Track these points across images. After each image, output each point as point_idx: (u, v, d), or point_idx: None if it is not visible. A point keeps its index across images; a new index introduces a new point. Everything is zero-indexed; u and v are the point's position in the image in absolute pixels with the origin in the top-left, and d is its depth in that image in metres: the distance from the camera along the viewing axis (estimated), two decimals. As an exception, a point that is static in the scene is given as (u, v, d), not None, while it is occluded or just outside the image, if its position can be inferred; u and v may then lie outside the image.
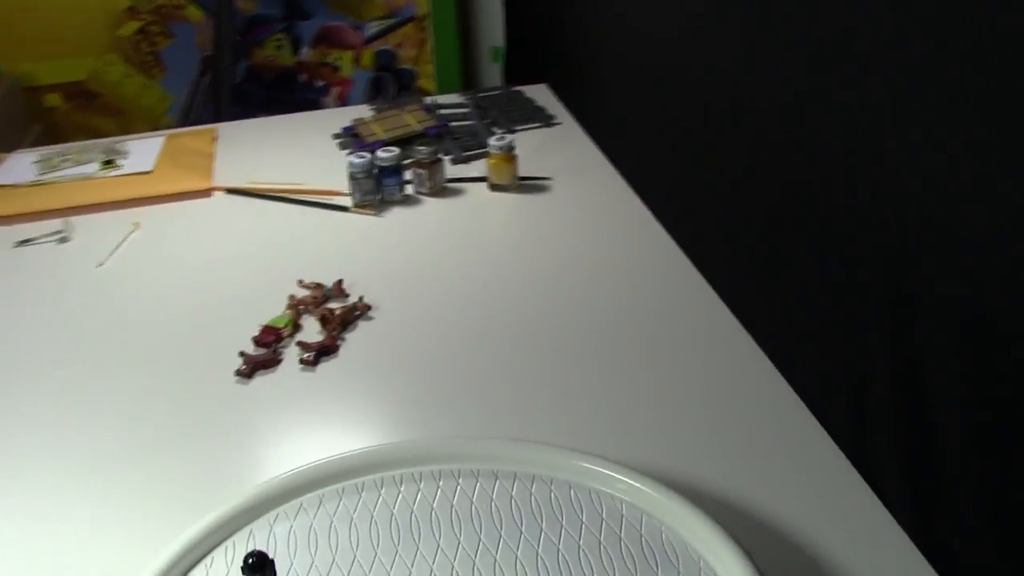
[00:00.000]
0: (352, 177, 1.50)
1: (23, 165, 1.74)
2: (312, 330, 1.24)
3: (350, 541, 0.86)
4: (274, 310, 1.27)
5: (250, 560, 0.76)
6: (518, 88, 1.92)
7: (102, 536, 0.94)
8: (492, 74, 2.50)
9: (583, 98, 1.90)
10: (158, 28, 2.48)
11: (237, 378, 1.15)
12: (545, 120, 1.77)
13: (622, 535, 0.84)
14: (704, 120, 1.58)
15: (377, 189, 1.52)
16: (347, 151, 1.71)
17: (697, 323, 1.19)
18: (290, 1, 2.49)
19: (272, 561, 0.77)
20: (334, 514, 0.89)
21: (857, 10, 1.06)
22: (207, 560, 0.85)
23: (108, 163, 1.70)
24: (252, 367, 1.16)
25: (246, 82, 2.55)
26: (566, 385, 1.10)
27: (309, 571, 0.83)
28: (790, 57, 1.24)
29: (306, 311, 1.27)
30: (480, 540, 0.85)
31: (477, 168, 1.60)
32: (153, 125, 2.56)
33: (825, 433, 0.98)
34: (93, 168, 1.69)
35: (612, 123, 1.88)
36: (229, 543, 0.86)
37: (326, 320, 1.23)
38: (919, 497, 1.05)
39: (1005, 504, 0.95)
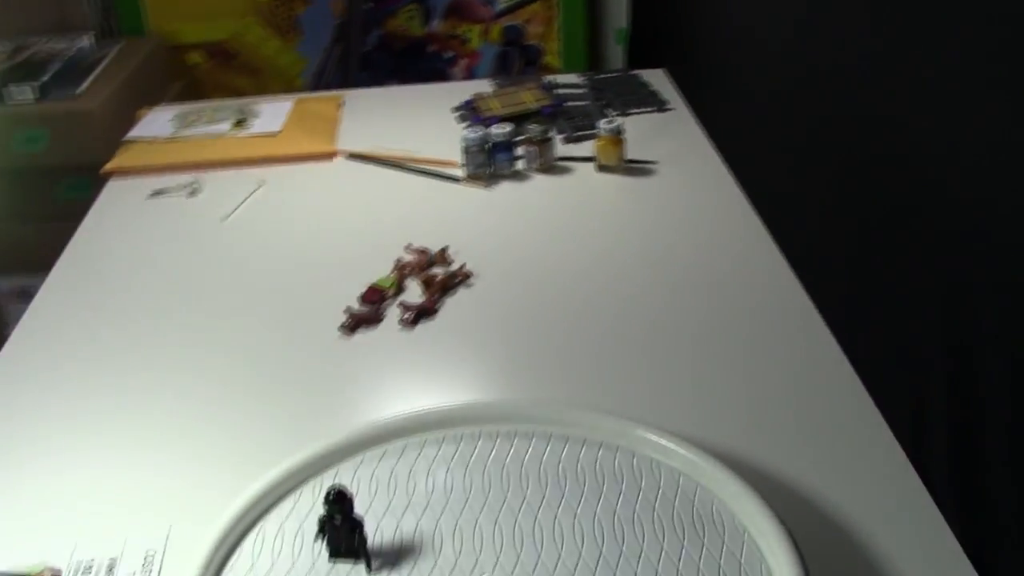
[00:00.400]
0: (466, 150, 1.57)
1: (162, 121, 1.85)
2: (415, 293, 1.31)
3: (425, 488, 0.93)
4: (382, 271, 1.35)
5: (330, 495, 0.84)
6: (636, 72, 1.97)
7: (208, 463, 1.03)
8: (616, 55, 2.55)
9: (700, 85, 1.94)
10: (298, -7, 2.59)
11: (340, 332, 1.23)
12: (658, 105, 1.82)
13: (676, 503, 0.90)
14: (819, 121, 1.61)
15: (489, 163, 1.58)
16: (464, 124, 1.78)
17: (779, 313, 1.23)
18: (425, -27, 2.57)
19: (351, 498, 0.85)
20: (413, 463, 0.96)
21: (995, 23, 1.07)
22: (296, 493, 0.93)
23: (239, 123, 1.80)
24: (355, 323, 1.24)
25: (377, 50, 2.64)
26: (647, 361, 1.16)
27: (385, 512, 0.91)
28: (919, 65, 1.26)
29: (411, 275, 1.34)
30: (544, 497, 0.92)
31: (587, 148, 1.65)
32: (287, 86, 2.67)
33: (886, 427, 1.02)
34: (225, 127, 1.79)
35: (726, 113, 1.91)
36: (317, 480, 0.94)
37: (428, 284, 1.30)
38: (967, 498, 1.09)
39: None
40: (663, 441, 0.95)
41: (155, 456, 1.05)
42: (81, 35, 2.46)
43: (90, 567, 0.91)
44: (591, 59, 2.69)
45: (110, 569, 0.91)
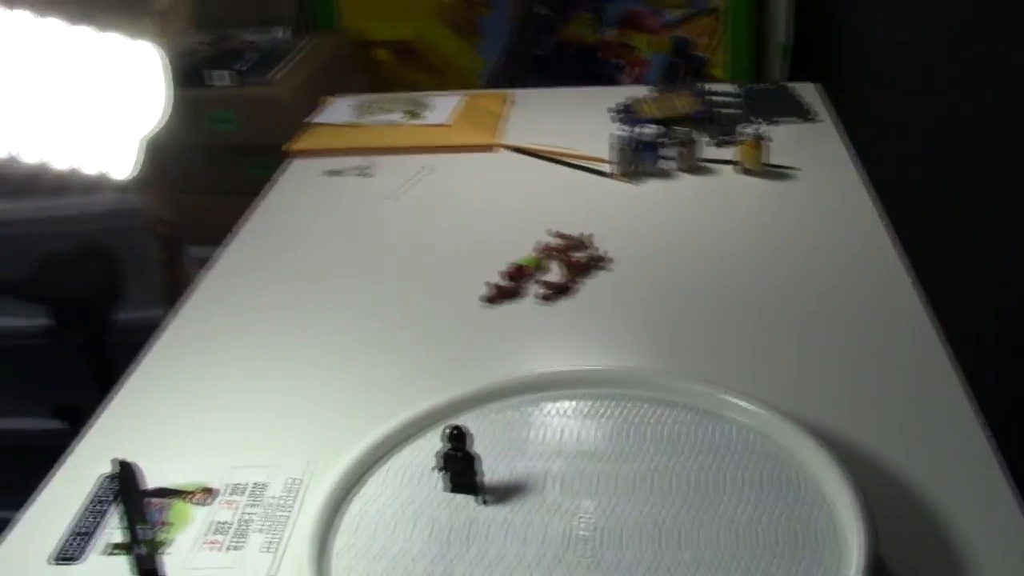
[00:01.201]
0: (615, 147, 1.68)
1: (343, 108, 2.01)
2: (556, 273, 1.42)
3: (539, 438, 1.05)
4: (526, 252, 1.46)
5: (451, 431, 0.97)
6: (788, 84, 2.04)
7: (354, 407, 1.17)
8: (779, 69, 2.61)
9: (851, 98, 2.00)
10: (479, -2, 2.74)
11: (483, 302, 1.36)
12: (804, 115, 1.89)
13: (763, 469, 0.99)
14: (967, 142, 1.65)
15: (636, 160, 1.69)
16: (620, 124, 1.88)
17: (891, 313, 1.30)
18: (600, -16, 2.69)
19: (469, 435, 0.97)
20: (532, 416, 1.08)
21: None
22: (426, 434, 1.06)
23: (412, 114, 1.95)
24: (498, 294, 1.37)
25: (552, 55, 2.77)
26: (760, 345, 1.25)
27: (502, 456, 1.03)
28: None
29: (553, 257, 1.45)
30: (644, 453, 1.02)
31: (732, 153, 1.74)
32: (464, 85, 2.81)
33: (976, 417, 1.09)
34: (399, 117, 1.94)
35: (877, 127, 1.97)
36: (446, 424, 1.06)
37: (568, 265, 1.42)
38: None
39: None
40: (759, 410, 1.04)
41: (308, 398, 1.20)
42: (277, 28, 2.66)
43: (241, 488, 1.05)
44: (755, 72, 2.76)
45: (258, 490, 1.04)
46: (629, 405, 1.09)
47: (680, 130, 1.69)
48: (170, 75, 1.05)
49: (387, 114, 1.96)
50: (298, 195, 1.73)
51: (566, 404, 1.09)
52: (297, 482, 1.05)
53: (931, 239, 1.56)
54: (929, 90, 1.82)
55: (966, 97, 1.65)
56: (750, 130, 1.65)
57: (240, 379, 1.24)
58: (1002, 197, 1.43)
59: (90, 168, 1.00)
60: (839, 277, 1.39)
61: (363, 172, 1.77)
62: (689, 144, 1.69)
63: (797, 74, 2.44)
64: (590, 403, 1.10)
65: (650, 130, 1.68)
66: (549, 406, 1.09)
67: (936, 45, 1.79)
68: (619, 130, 1.67)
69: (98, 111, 0.99)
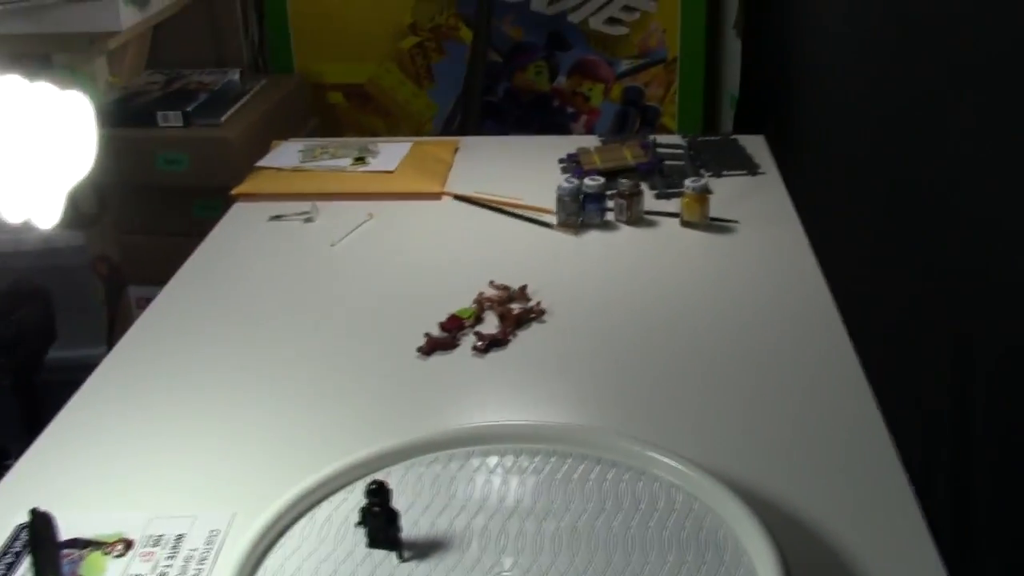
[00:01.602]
0: (560, 199, 1.68)
1: (291, 152, 2.01)
2: (491, 324, 1.42)
3: (463, 494, 1.04)
4: (465, 303, 1.46)
5: (372, 486, 0.96)
6: (735, 136, 2.06)
7: (280, 458, 1.16)
8: (730, 119, 2.63)
9: (795, 151, 2.02)
10: (433, 44, 2.75)
11: (418, 354, 1.35)
12: (751, 169, 1.90)
13: (686, 526, 0.99)
14: (906, 195, 1.66)
15: (580, 212, 1.69)
16: (565, 175, 1.89)
17: (828, 376, 1.31)
18: (554, 33, 2.70)
19: (389, 490, 0.96)
20: (457, 471, 1.07)
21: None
22: (349, 488, 1.05)
23: (359, 159, 1.94)
24: (432, 346, 1.36)
25: (504, 101, 2.78)
26: (693, 402, 1.25)
27: (424, 511, 1.02)
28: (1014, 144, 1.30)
29: (490, 308, 1.45)
30: (568, 509, 1.02)
31: (676, 205, 1.75)
32: (417, 130, 2.83)
33: (908, 487, 1.09)
34: (346, 162, 1.94)
35: (815, 179, 1.98)
36: (370, 478, 1.05)
37: (504, 317, 1.41)
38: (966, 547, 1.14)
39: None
40: (684, 468, 1.04)
41: (235, 446, 1.19)
42: (232, 70, 2.66)
43: (159, 539, 1.03)
44: (706, 122, 2.79)
45: (177, 542, 1.03)
46: (556, 460, 1.08)
47: (625, 182, 1.69)
48: (97, 124, 1.04)
49: (334, 159, 1.96)
50: (241, 239, 1.72)
51: (493, 459, 1.09)
52: (217, 534, 1.04)
53: (868, 297, 1.57)
54: (870, 146, 1.84)
55: (907, 156, 1.67)
56: (692, 183, 1.66)
57: (168, 425, 1.23)
58: (939, 261, 1.45)
59: (14, 217, 0.99)
60: (776, 334, 1.39)
61: (306, 217, 1.76)
62: (633, 196, 1.70)
63: (746, 126, 2.46)
64: (516, 458, 1.09)
65: (595, 182, 1.68)
66: (475, 461, 1.09)
67: (878, 102, 1.81)
68: (565, 181, 1.68)
69: (25, 160, 0.98)
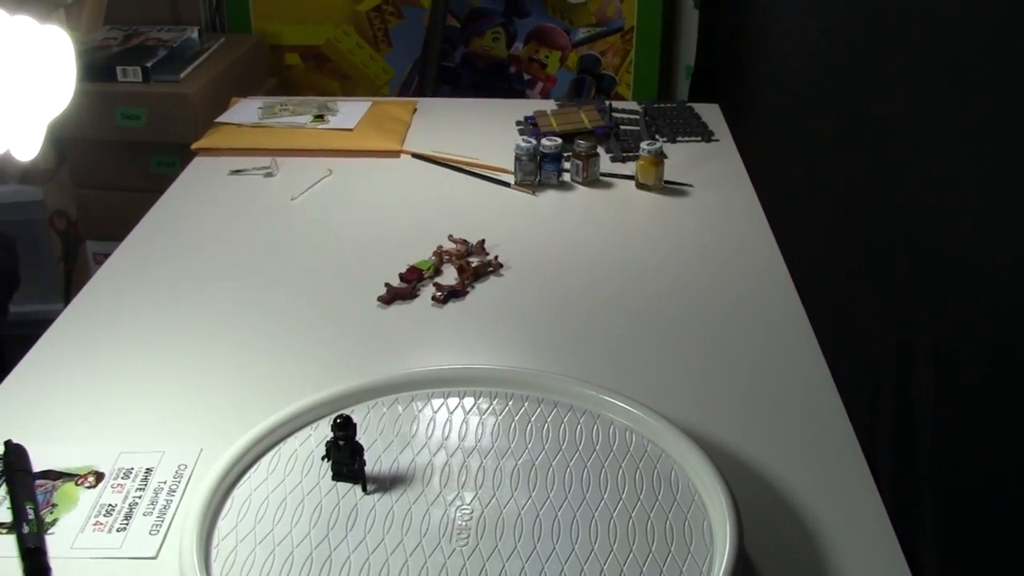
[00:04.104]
0: (517, 158, 1.72)
1: (250, 109, 2.02)
2: (450, 276, 1.45)
3: (425, 432, 1.08)
4: (425, 256, 1.49)
5: (337, 420, 0.99)
6: (691, 104, 2.10)
7: (247, 396, 1.19)
8: (685, 89, 2.68)
9: (750, 121, 2.06)
10: (392, 8, 2.77)
11: (378, 303, 1.38)
12: (705, 135, 1.95)
13: (640, 465, 1.03)
14: (861, 171, 1.70)
15: (537, 172, 1.72)
16: (524, 136, 1.92)
17: (777, 326, 1.36)
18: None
19: (355, 425, 0.99)
20: (419, 411, 1.11)
21: None
22: (315, 425, 1.08)
23: (318, 117, 1.97)
24: (392, 296, 1.39)
25: (461, 66, 2.80)
26: (646, 351, 1.29)
27: (387, 447, 1.05)
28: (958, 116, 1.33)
29: (449, 261, 1.49)
30: (526, 449, 1.06)
31: (631, 168, 1.79)
32: (373, 93, 2.84)
33: (851, 429, 1.14)
34: (305, 120, 1.96)
35: (771, 149, 2.03)
36: (335, 415, 1.08)
37: (462, 269, 1.45)
38: (906, 499, 1.19)
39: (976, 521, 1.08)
40: (638, 412, 1.08)
41: (202, 388, 1.21)
42: (190, 28, 2.66)
43: (129, 472, 1.06)
44: (661, 92, 2.83)
45: (147, 475, 1.06)
46: (513, 403, 1.12)
47: (581, 143, 1.73)
48: (78, 62, 1.06)
49: (294, 116, 1.98)
50: (201, 193, 1.74)
51: (452, 401, 1.13)
52: (185, 467, 1.07)
53: (817, 260, 1.62)
54: (822, 116, 1.88)
55: (856, 123, 1.71)
56: (648, 146, 1.70)
57: (135, 368, 1.25)
58: (886, 230, 1.50)
59: (-6, 146, 1.01)
60: (730, 293, 1.44)
61: (266, 172, 1.78)
62: (590, 158, 1.74)
63: (702, 96, 2.51)
64: (476, 400, 1.13)
65: (552, 142, 1.72)
66: (436, 402, 1.12)
67: (830, 73, 1.86)
68: (523, 141, 1.71)
69: (4, 92, 1.00)
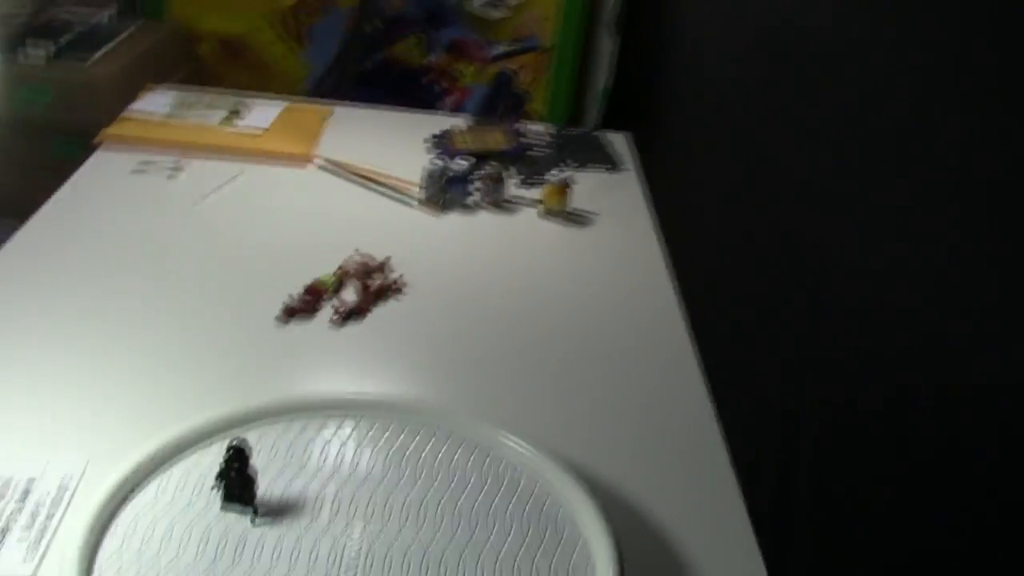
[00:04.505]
0: (426, 177, 1.72)
1: (161, 100, 2.00)
2: (352, 294, 1.46)
3: (316, 460, 1.08)
4: (328, 270, 1.49)
5: (230, 447, 0.99)
6: (600, 132, 2.12)
7: (136, 411, 1.18)
8: (594, 112, 2.71)
9: (661, 150, 2.09)
10: (313, 5, 2.75)
11: (277, 319, 1.38)
12: (613, 165, 1.97)
13: (527, 505, 1.05)
14: (769, 206, 1.74)
15: (444, 192, 1.73)
16: (433, 154, 1.93)
17: (667, 364, 1.39)
18: (434, 9, 2.73)
19: (248, 453, 0.99)
20: (312, 438, 1.11)
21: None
22: (205, 447, 1.08)
23: (230, 116, 1.95)
24: (291, 312, 1.39)
25: (377, 71, 2.80)
26: (540, 384, 1.31)
27: (279, 475, 1.05)
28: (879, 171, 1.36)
29: (351, 277, 1.49)
30: (417, 483, 1.07)
31: (538, 193, 1.81)
32: (287, 89, 2.81)
33: (731, 473, 1.17)
34: (217, 118, 1.94)
35: (678, 183, 2.06)
36: (226, 438, 1.07)
37: (364, 288, 1.45)
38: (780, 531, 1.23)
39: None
40: (526, 451, 1.10)
41: (90, 397, 1.20)
42: (103, 11, 2.62)
43: (8, 483, 1.04)
44: (574, 113, 2.85)
45: (28, 486, 1.04)
46: (407, 434, 1.13)
47: (491, 166, 1.74)
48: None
49: (205, 113, 1.95)
50: (103, 189, 1.71)
51: (346, 429, 1.13)
52: (70, 479, 1.05)
53: (714, 298, 1.66)
54: (729, 150, 1.92)
55: (763, 159, 1.75)
56: (557, 173, 1.72)
57: (18, 373, 1.23)
58: (787, 269, 1.54)
59: None
60: (624, 328, 1.47)
61: (172, 172, 1.76)
62: (497, 181, 1.75)
63: (615, 120, 2.54)
64: (369, 429, 1.13)
65: (461, 164, 1.72)
66: (329, 429, 1.13)
67: (739, 111, 1.90)
68: (433, 161, 1.72)
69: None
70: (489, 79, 2.78)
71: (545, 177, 1.84)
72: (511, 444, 1.11)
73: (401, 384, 1.29)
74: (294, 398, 1.15)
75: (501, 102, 2.75)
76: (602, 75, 2.65)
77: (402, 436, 1.13)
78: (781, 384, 1.49)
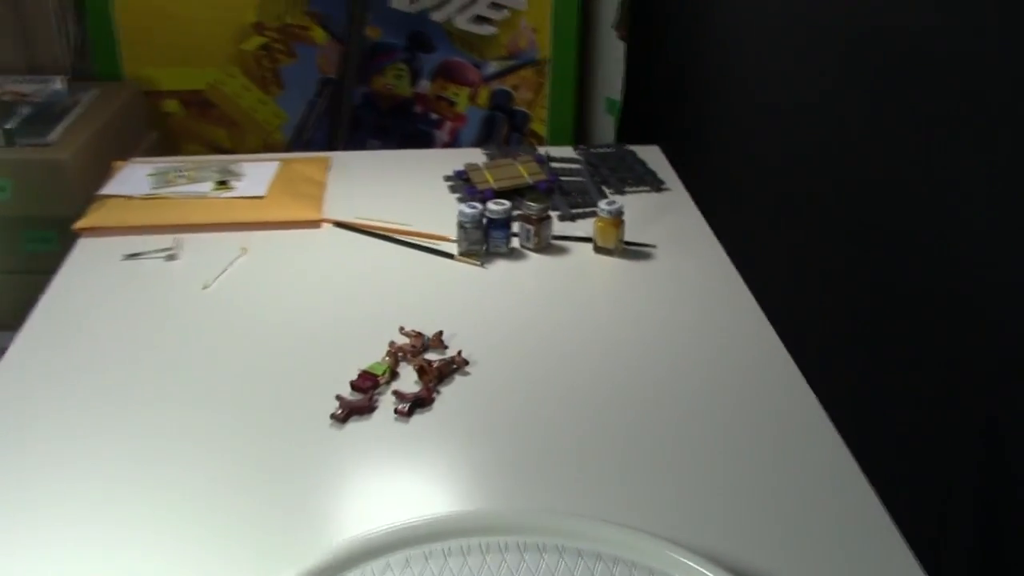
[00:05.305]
0: (461, 226, 1.51)
1: (138, 176, 1.77)
2: (409, 379, 1.24)
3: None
4: (373, 352, 1.28)
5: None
6: (630, 148, 1.92)
7: (182, 538, 0.95)
8: (604, 126, 2.50)
9: (695, 163, 1.89)
10: (281, 46, 2.53)
11: (332, 421, 1.16)
12: (655, 185, 1.77)
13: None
14: (820, 204, 1.56)
15: (484, 240, 1.52)
16: (457, 195, 1.72)
17: (783, 412, 1.18)
18: (416, 33, 2.51)
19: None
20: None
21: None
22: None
23: (222, 184, 1.72)
24: (347, 412, 1.17)
25: (361, 108, 2.58)
26: (644, 460, 1.10)
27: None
28: (921, 145, 1.22)
29: (404, 359, 1.27)
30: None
31: (583, 227, 1.60)
32: (265, 140, 2.60)
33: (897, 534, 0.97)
34: (207, 187, 1.72)
35: (722, 193, 1.86)
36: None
37: (423, 371, 1.23)
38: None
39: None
40: (673, 555, 0.89)
41: (104, 545, 0.97)
42: (54, 78, 2.38)
43: None
44: (578, 128, 2.65)
45: None
46: (512, 555, 0.91)
47: (532, 205, 1.53)
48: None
49: (192, 184, 1.73)
50: (93, 281, 1.48)
51: (438, 563, 0.91)
52: None
53: (802, 320, 1.45)
54: (778, 154, 1.72)
55: (812, 164, 1.55)
56: (607, 205, 1.51)
57: (29, 496, 1.01)
58: (868, 273, 1.35)
59: None
60: (724, 372, 1.26)
61: (169, 254, 1.54)
62: (542, 221, 1.54)
63: (632, 134, 2.34)
64: (467, 557, 0.92)
65: (500, 206, 1.51)
66: (419, 566, 0.91)
67: (786, 105, 1.70)
68: (467, 207, 1.50)
69: None
70: (485, 101, 2.57)
71: (586, 207, 1.63)
72: (647, 548, 0.90)
73: (493, 484, 1.07)
74: (368, 538, 0.93)
75: (501, 124, 2.54)
76: (610, 84, 2.44)
77: (504, 559, 0.91)
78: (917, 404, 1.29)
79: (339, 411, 1.17)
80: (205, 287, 1.45)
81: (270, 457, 1.11)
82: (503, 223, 1.52)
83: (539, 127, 2.60)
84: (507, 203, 1.52)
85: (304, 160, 1.88)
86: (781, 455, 1.11)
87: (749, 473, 1.09)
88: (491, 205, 1.52)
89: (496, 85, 2.56)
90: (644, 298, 1.44)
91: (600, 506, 1.02)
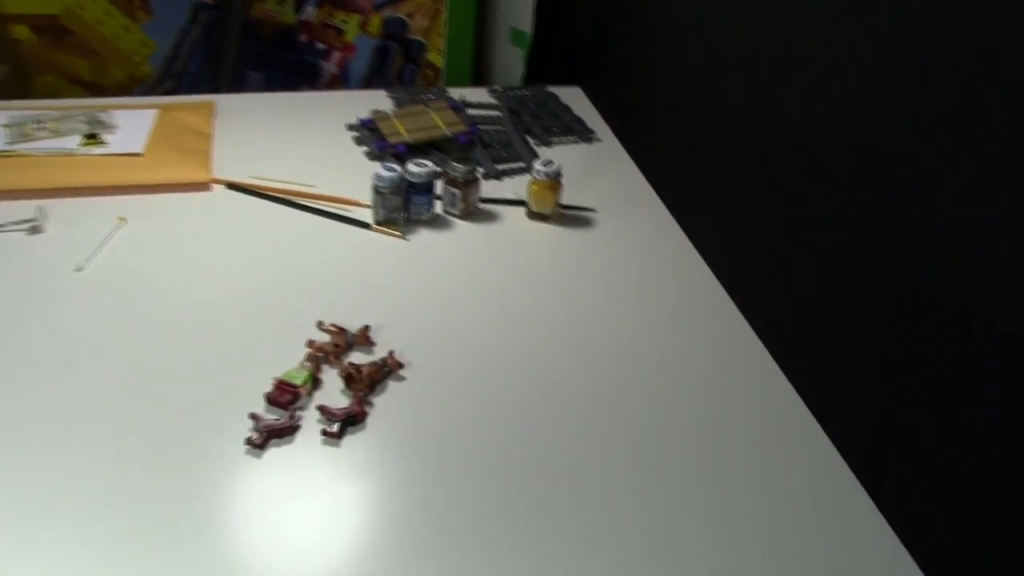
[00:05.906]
0: (377, 191, 1.32)
1: (-8, 126, 1.52)
2: (334, 387, 1.05)
3: None
4: (285, 348, 1.09)
5: None
6: (551, 89, 1.74)
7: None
8: (508, 57, 2.30)
9: (622, 108, 1.72)
10: (147, -34, 2.26)
11: (247, 447, 0.97)
12: (583, 135, 1.59)
13: None
14: (763, 152, 1.41)
15: (404, 207, 1.33)
16: (364, 149, 1.52)
17: (750, 385, 1.03)
18: (297, -46, 2.27)
19: None
20: None
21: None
22: None
23: (92, 138, 1.49)
24: (266, 435, 0.98)
25: (240, 37, 2.33)
26: (612, 465, 0.94)
27: None
28: (880, 98, 1.08)
29: (327, 361, 1.08)
30: None
31: (510, 186, 1.42)
32: (130, 72, 2.33)
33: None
34: (74, 143, 1.48)
35: (657, 142, 1.70)
36: None
37: (352, 379, 1.05)
38: None
39: None
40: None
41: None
42: None
43: None
44: (479, 60, 2.44)
45: None
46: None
47: (459, 167, 1.34)
48: None
49: (57, 139, 1.49)
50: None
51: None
52: None
53: (732, 270, 1.31)
54: (720, 99, 1.56)
55: (757, 112, 1.40)
56: (543, 167, 1.33)
57: None
58: (817, 223, 1.22)
59: None
60: (681, 346, 1.12)
61: (32, 226, 1.31)
62: (469, 185, 1.35)
63: (544, 70, 2.15)
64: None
65: (421, 168, 1.32)
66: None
67: (713, 50, 1.54)
68: (384, 168, 1.31)
69: None
70: (377, 30, 2.34)
71: (510, 162, 1.46)
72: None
73: (444, 513, 0.90)
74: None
75: (394, 55, 2.32)
76: (517, 14, 2.23)
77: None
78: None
79: (255, 435, 0.98)
80: (78, 269, 1.23)
81: (164, 495, 0.91)
82: (426, 187, 1.33)
83: (436, 58, 2.38)
84: (429, 164, 1.33)
85: (185, 106, 1.65)
86: (745, 423, 0.98)
87: (711, 448, 0.94)
88: (412, 167, 1.32)
89: (389, 12, 2.33)
90: (587, 268, 1.28)
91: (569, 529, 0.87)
